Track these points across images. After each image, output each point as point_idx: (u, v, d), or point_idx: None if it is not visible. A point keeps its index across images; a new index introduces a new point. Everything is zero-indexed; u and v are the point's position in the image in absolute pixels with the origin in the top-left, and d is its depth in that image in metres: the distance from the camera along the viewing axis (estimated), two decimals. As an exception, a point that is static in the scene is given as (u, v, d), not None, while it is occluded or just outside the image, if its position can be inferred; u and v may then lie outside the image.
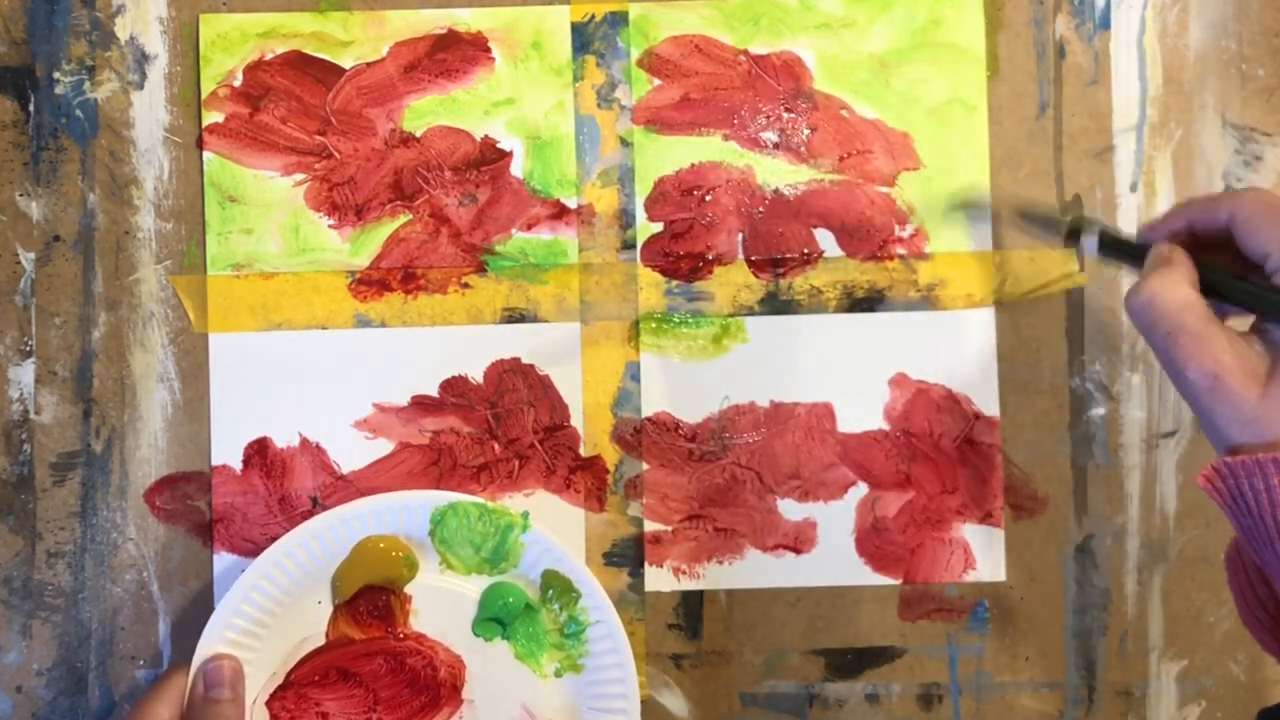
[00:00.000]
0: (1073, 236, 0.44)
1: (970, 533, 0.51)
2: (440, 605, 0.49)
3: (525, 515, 0.48)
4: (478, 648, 0.49)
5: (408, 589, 0.49)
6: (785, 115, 0.52)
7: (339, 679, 0.49)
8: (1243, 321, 0.39)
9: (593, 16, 0.51)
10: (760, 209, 0.51)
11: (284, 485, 0.51)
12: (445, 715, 0.49)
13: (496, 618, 0.49)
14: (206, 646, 0.47)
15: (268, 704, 0.49)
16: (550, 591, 0.49)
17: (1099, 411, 0.51)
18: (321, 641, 0.49)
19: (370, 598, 0.49)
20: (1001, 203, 0.51)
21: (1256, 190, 0.38)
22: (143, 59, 0.51)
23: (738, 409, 0.51)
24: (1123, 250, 0.42)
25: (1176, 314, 0.37)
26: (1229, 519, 0.36)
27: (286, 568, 0.48)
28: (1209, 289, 0.38)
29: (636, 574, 0.51)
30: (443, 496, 0.48)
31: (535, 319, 0.51)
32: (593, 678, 0.49)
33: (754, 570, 0.51)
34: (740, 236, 0.51)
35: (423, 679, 0.49)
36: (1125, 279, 0.51)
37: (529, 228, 0.51)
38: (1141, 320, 0.37)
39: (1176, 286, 0.37)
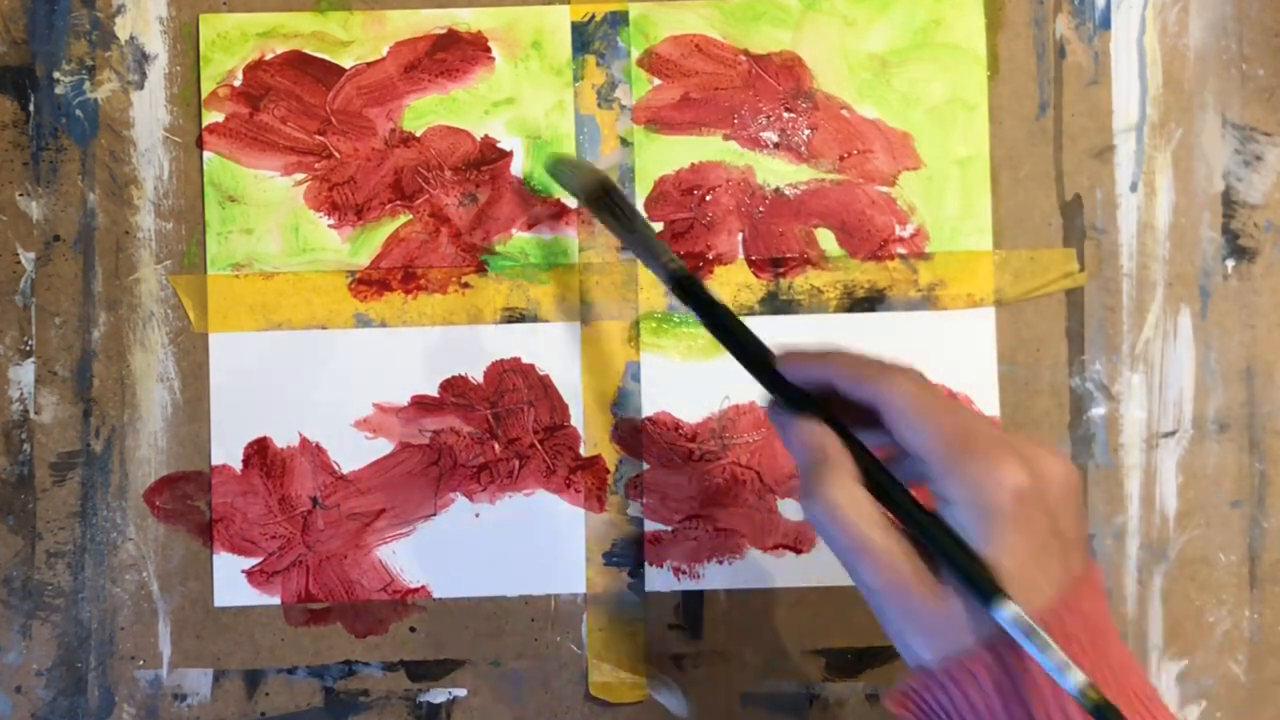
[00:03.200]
0: (673, 280, 0.42)
1: (970, 533, 0.51)
2: None
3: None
4: None
5: None
6: (785, 115, 0.52)
7: None
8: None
9: (593, 16, 0.51)
10: (760, 209, 0.51)
11: (284, 485, 0.51)
12: None
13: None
14: None
15: None
16: None
17: (1099, 411, 0.51)
18: None
19: None
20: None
21: (907, 376, 0.36)
22: (143, 59, 0.51)
23: (738, 409, 0.51)
24: (695, 300, 0.41)
25: (857, 529, 0.35)
26: None
27: None
28: (869, 481, 0.36)
29: (636, 574, 0.51)
30: None
31: (535, 319, 0.51)
32: None
33: (754, 570, 0.51)
34: (740, 236, 0.51)
35: None
36: (1124, 281, 0.51)
37: (529, 228, 0.51)
38: (821, 530, 0.35)
39: (850, 492, 0.35)
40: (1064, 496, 0.35)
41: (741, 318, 0.51)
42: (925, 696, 0.34)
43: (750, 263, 0.51)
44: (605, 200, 0.46)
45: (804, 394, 0.38)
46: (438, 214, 0.51)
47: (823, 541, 0.38)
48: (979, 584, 0.33)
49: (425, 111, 0.51)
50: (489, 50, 0.51)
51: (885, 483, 0.36)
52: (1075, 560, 0.35)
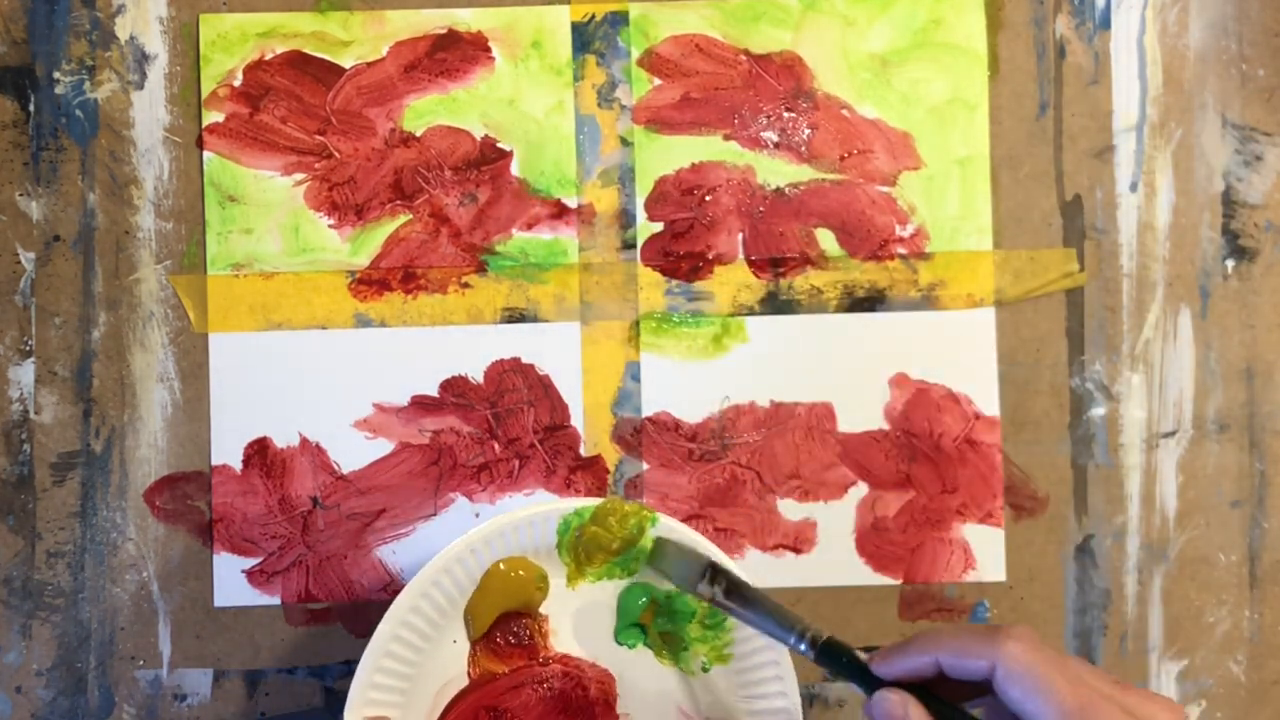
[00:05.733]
0: (814, 647, 0.40)
1: (970, 533, 0.51)
2: (578, 620, 0.47)
3: (651, 510, 0.45)
4: (623, 657, 0.47)
5: (542, 609, 0.46)
6: (786, 115, 0.52)
7: (490, 719, 0.46)
8: None
9: (593, 16, 0.51)
10: (760, 209, 0.51)
11: (284, 485, 0.51)
12: None
13: (637, 622, 0.46)
14: (353, 715, 0.44)
15: None
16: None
17: (1099, 411, 0.51)
18: (464, 683, 0.46)
19: (506, 626, 0.46)
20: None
21: (1021, 639, 0.35)
22: (143, 59, 0.51)
23: (738, 409, 0.51)
24: (839, 663, 0.39)
25: None
26: None
27: (422, 611, 0.44)
28: None
29: (636, 574, 0.51)
30: (568, 504, 0.45)
31: (535, 319, 0.51)
32: (742, 665, 0.46)
33: (754, 570, 0.51)
34: (740, 236, 0.51)
35: (575, 701, 0.46)
36: (1124, 281, 0.51)
37: (529, 227, 0.51)
38: None
39: None
40: None
41: (740, 318, 0.51)
42: None
43: (750, 263, 0.51)
44: (715, 582, 0.43)
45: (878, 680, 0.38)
46: (438, 214, 0.51)
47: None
48: None
49: (425, 111, 0.51)
50: (489, 50, 0.51)
51: None
52: None
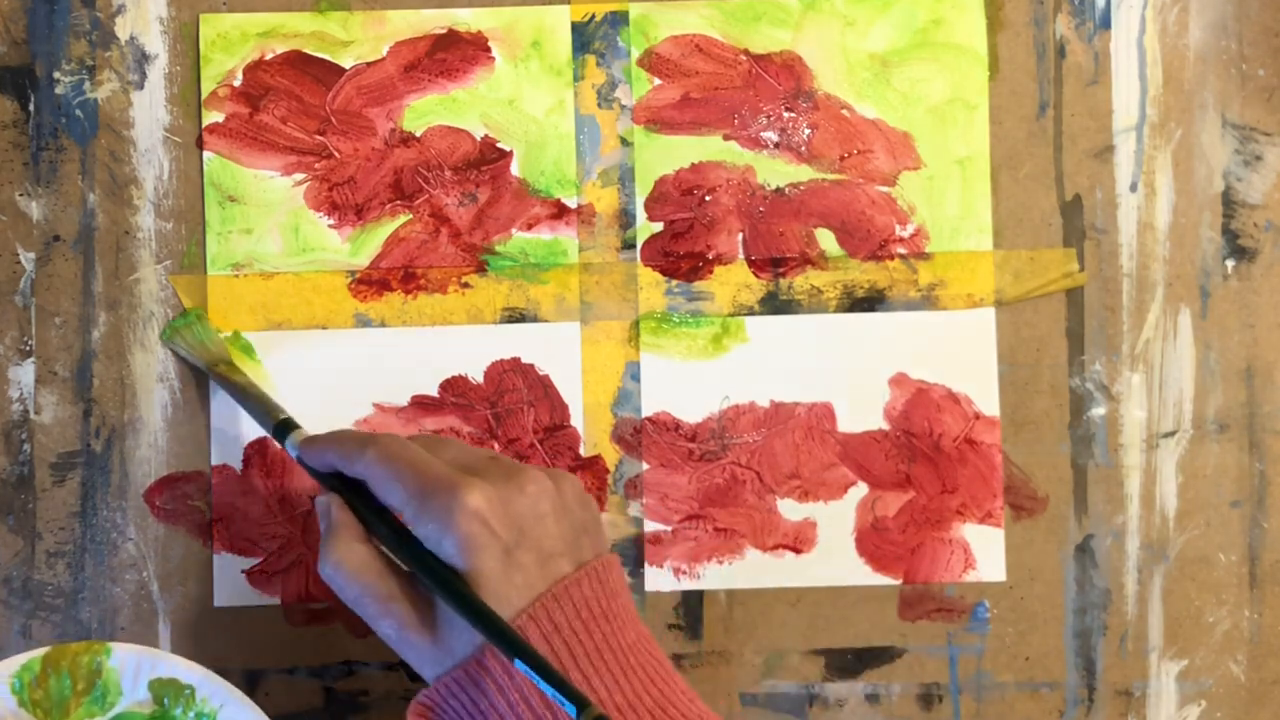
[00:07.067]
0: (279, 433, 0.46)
1: (970, 533, 0.51)
2: None
3: (102, 643, 0.46)
4: None
5: None
6: (786, 115, 0.52)
7: None
8: None
9: (593, 16, 0.51)
10: (760, 209, 0.51)
11: (284, 485, 0.51)
12: None
13: None
14: None
15: None
16: (165, 701, 0.46)
17: (1099, 411, 0.51)
18: None
19: None
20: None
21: (381, 446, 0.41)
22: (143, 59, 0.51)
23: (738, 409, 0.51)
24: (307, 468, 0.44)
25: (357, 579, 0.40)
26: None
27: None
28: (374, 532, 0.42)
29: (636, 574, 0.51)
30: (12, 663, 0.45)
31: (535, 319, 0.51)
32: None
33: (754, 570, 0.51)
34: (740, 236, 0.51)
35: None
36: (1124, 281, 0.51)
37: (529, 228, 0.51)
38: (332, 585, 0.41)
39: (350, 549, 0.40)
40: (545, 502, 0.40)
41: (740, 318, 0.51)
42: (438, 707, 0.40)
43: (750, 263, 0.51)
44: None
45: (321, 474, 0.43)
46: (438, 214, 0.51)
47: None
48: (456, 599, 0.38)
49: (425, 111, 0.51)
50: (489, 50, 0.51)
51: (389, 536, 0.41)
52: (580, 552, 0.41)
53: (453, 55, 0.51)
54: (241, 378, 0.49)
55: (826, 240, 0.51)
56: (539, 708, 0.38)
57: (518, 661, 0.36)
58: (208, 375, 0.50)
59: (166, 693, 0.46)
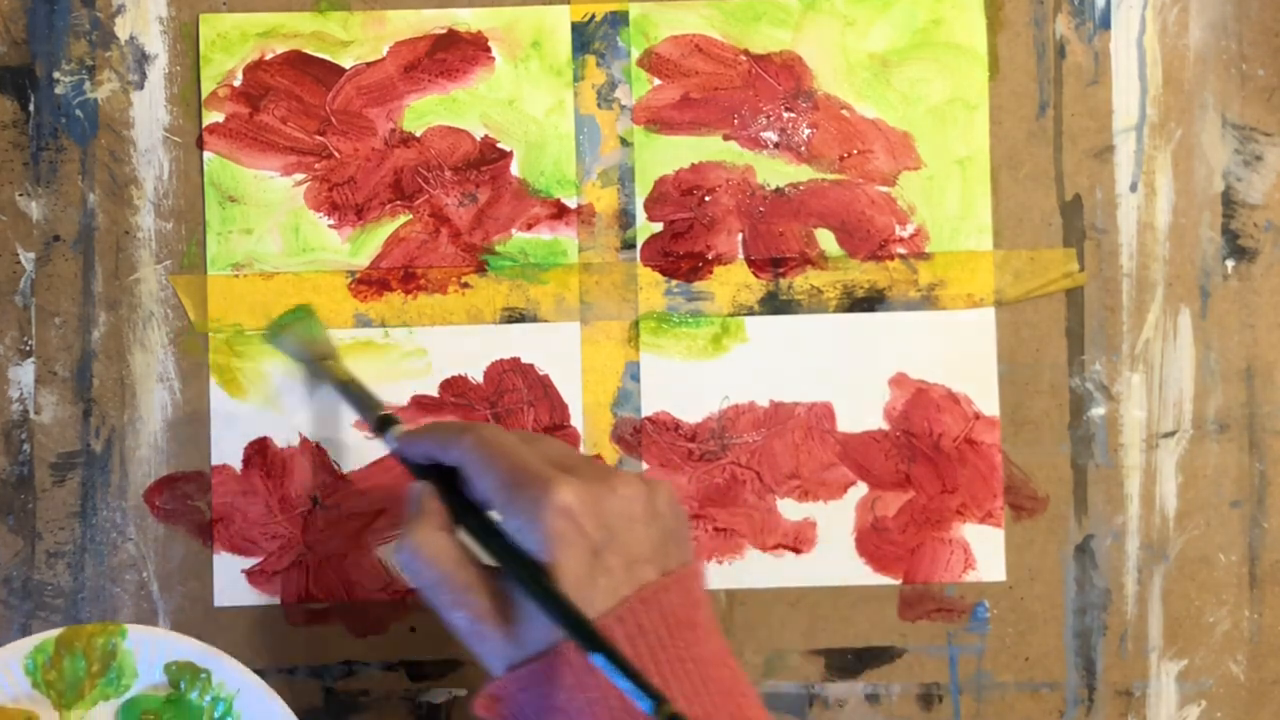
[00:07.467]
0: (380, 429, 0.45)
1: (970, 533, 0.51)
2: None
3: (119, 625, 0.46)
4: None
5: None
6: (785, 115, 0.52)
7: None
8: None
9: (593, 16, 0.51)
10: (760, 209, 0.51)
11: (284, 485, 0.51)
12: None
13: None
14: None
15: None
16: (181, 684, 0.46)
17: (1099, 411, 0.51)
18: None
19: None
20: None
21: (478, 433, 0.40)
22: (143, 59, 0.51)
23: (738, 409, 0.51)
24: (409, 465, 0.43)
25: (435, 565, 0.39)
26: None
27: None
28: (462, 523, 0.41)
29: (636, 574, 0.51)
30: (26, 643, 0.45)
31: (535, 319, 0.51)
32: None
33: (754, 570, 0.51)
34: (740, 236, 0.51)
35: None
36: (1124, 281, 0.51)
37: (529, 228, 0.51)
38: (408, 571, 0.40)
39: (432, 536, 0.40)
40: (637, 506, 0.39)
41: (740, 318, 0.51)
42: (506, 700, 0.39)
43: (750, 263, 0.51)
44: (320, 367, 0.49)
45: (418, 467, 0.42)
46: (438, 214, 0.51)
47: (415, 584, 0.42)
48: (540, 592, 0.37)
49: (425, 111, 0.51)
50: (489, 50, 0.51)
51: (477, 526, 0.40)
52: (667, 559, 0.40)
53: (453, 55, 0.51)
54: (345, 373, 0.48)
55: (826, 240, 0.51)
56: (615, 708, 0.37)
57: (598, 657, 0.36)
58: (308, 369, 0.50)
59: (182, 676, 0.46)
